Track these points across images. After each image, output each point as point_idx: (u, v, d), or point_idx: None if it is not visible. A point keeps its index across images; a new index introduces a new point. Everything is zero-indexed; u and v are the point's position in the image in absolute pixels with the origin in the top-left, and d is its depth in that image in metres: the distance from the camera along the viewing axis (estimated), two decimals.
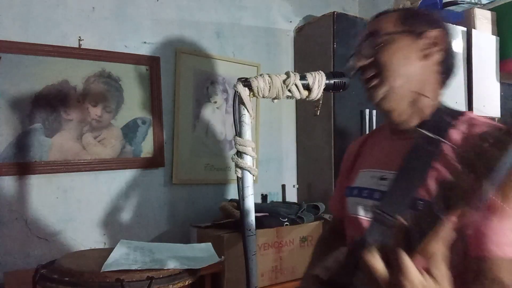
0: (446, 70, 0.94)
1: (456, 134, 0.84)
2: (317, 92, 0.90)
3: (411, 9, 0.96)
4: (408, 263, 0.52)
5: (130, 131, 1.89)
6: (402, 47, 0.89)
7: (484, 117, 0.87)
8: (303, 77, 0.89)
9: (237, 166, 0.87)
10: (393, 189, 0.86)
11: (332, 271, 0.92)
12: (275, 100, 0.91)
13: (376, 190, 0.93)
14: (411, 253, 0.53)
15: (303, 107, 2.40)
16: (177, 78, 2.01)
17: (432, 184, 0.82)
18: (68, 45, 1.74)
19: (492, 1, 2.57)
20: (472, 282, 0.73)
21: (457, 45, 2.32)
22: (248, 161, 0.88)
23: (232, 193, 2.17)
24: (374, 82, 0.91)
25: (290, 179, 2.42)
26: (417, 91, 0.90)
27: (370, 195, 0.94)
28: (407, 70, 0.89)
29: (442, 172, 0.82)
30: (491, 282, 0.71)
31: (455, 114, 0.89)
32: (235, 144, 0.88)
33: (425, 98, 0.91)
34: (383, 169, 0.94)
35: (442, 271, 0.53)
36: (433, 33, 0.90)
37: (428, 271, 0.53)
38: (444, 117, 0.89)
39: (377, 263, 0.55)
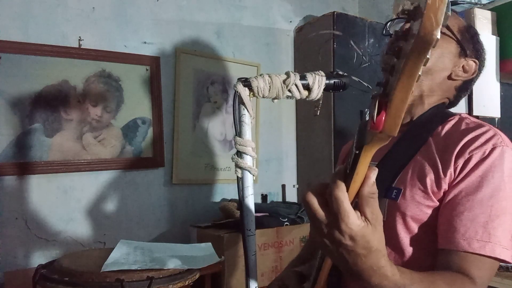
0: (459, 92, 0.98)
1: (441, 130, 0.88)
2: (317, 92, 0.90)
3: (472, 27, 0.99)
4: (346, 205, 0.53)
5: (130, 131, 1.89)
6: (447, 53, 0.90)
7: (476, 119, 0.89)
8: (303, 77, 0.89)
9: (237, 166, 0.87)
10: None
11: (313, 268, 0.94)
12: (275, 100, 0.91)
13: None
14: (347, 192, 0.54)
15: (303, 107, 2.40)
16: (177, 78, 2.01)
17: (410, 175, 0.84)
18: (68, 45, 1.74)
19: (492, 1, 2.56)
20: (441, 273, 0.74)
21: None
22: (248, 161, 0.87)
23: (232, 193, 2.17)
24: None
25: (290, 179, 2.42)
26: (431, 90, 0.93)
27: None
28: (436, 72, 0.91)
29: (422, 163, 0.84)
30: (459, 275, 0.72)
31: (449, 115, 0.92)
32: (235, 144, 0.88)
33: (432, 98, 0.94)
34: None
35: (376, 214, 0.54)
36: (472, 62, 0.94)
37: (363, 213, 0.54)
38: (437, 116, 0.92)
39: (315, 203, 0.56)
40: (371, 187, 0.53)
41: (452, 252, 0.75)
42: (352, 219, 0.53)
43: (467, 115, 0.91)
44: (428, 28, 0.41)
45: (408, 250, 0.83)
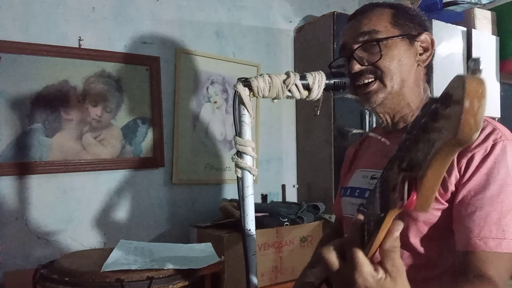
0: (430, 69, 0.98)
1: None
2: (317, 92, 0.90)
3: (401, 6, 0.96)
4: (360, 257, 0.53)
5: (130, 131, 1.89)
6: (401, 53, 0.90)
7: None
8: (303, 77, 0.89)
9: (237, 166, 0.87)
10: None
11: (323, 276, 0.94)
12: (275, 100, 0.91)
13: (367, 189, 0.95)
14: (366, 248, 0.54)
15: (303, 107, 2.40)
16: (177, 78, 2.01)
17: None
18: (68, 45, 1.74)
19: (492, 1, 2.57)
20: (460, 276, 0.74)
21: (457, 46, 2.33)
22: (248, 161, 0.88)
23: (232, 193, 2.17)
24: (373, 87, 0.91)
25: (290, 179, 2.42)
26: (411, 92, 0.93)
27: (361, 194, 0.96)
28: (406, 76, 0.91)
29: None
30: (477, 276, 0.72)
31: None
32: (235, 144, 0.88)
33: (417, 98, 0.94)
34: (374, 169, 0.96)
35: (397, 266, 0.53)
36: (424, 37, 0.93)
37: (383, 266, 0.54)
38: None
39: (331, 256, 0.57)
40: (393, 242, 0.52)
41: (469, 253, 0.75)
42: (366, 269, 0.53)
43: None
44: (466, 133, 0.40)
45: (422, 252, 0.83)
